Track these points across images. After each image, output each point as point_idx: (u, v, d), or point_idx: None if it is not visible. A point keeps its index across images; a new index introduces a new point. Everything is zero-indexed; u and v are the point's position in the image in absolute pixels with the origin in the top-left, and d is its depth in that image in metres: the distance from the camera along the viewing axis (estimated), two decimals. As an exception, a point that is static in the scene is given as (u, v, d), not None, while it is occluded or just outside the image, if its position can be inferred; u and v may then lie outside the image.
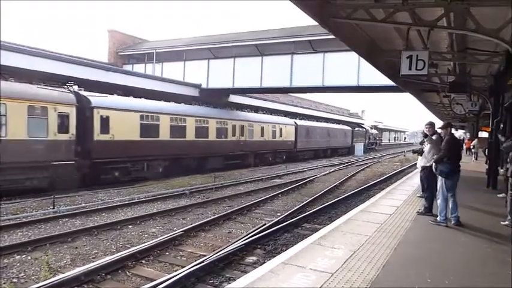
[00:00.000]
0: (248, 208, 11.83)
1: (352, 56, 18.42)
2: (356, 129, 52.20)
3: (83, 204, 11.94)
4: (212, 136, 22.99)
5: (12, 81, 13.88)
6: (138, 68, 28.43)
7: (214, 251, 7.37)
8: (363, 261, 4.90)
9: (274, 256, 5.90)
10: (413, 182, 13.57)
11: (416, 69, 8.08)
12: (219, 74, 24.73)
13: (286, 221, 9.90)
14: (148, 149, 18.29)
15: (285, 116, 34.74)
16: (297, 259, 4.91)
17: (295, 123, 33.64)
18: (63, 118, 14.64)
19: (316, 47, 21.88)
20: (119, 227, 9.36)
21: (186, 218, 10.65)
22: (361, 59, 15.23)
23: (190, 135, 21.02)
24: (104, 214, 10.86)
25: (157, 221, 10.17)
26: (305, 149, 35.41)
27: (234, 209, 11.43)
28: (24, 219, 9.87)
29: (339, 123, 48.67)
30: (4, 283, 5.94)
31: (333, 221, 8.07)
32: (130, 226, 9.52)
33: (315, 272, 4.47)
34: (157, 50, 27.63)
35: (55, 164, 14.10)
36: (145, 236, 8.75)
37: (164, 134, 19.33)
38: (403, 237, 6.11)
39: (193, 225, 9.28)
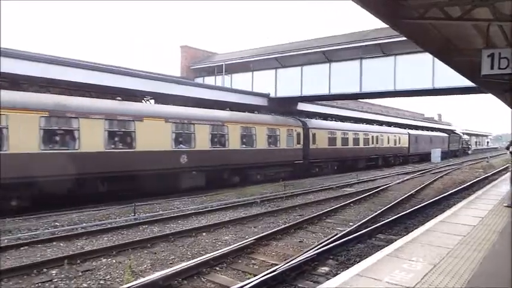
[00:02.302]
0: (319, 217, 11.68)
1: (426, 57, 17.57)
2: (451, 135, 57.81)
3: (161, 212, 12.58)
4: (359, 144, 31.83)
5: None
6: (209, 80, 29.50)
7: (285, 260, 7.35)
8: (444, 276, 4.60)
9: (348, 267, 5.75)
10: (499, 190, 12.52)
11: (499, 68, 7.50)
12: (287, 83, 24.85)
13: (359, 230, 9.61)
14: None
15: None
16: (372, 271, 4.75)
17: (408, 133, 42.05)
18: (298, 135, 24.26)
19: (386, 50, 21.18)
20: (193, 234, 9.72)
21: (258, 226, 10.77)
22: (436, 60, 14.46)
23: (351, 144, 30.55)
24: (179, 221, 11.35)
25: (229, 229, 10.40)
26: (415, 154, 43.18)
27: (305, 218, 11.34)
28: (109, 225, 10.65)
29: (437, 131, 55.69)
30: (93, 284, 6.43)
31: (409, 232, 7.69)
32: (204, 233, 9.85)
33: (391, 286, 4.28)
34: (226, 62, 28.48)
35: (296, 163, 23.92)
36: (219, 243, 8.99)
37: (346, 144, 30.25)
38: (489, 251, 5.65)
39: (264, 233, 9.35)
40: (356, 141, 31.24)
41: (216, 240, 9.21)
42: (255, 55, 27.34)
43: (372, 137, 33.73)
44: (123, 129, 14.94)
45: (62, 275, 6.79)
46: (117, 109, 14.99)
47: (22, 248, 8.51)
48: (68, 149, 13.40)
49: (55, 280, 6.57)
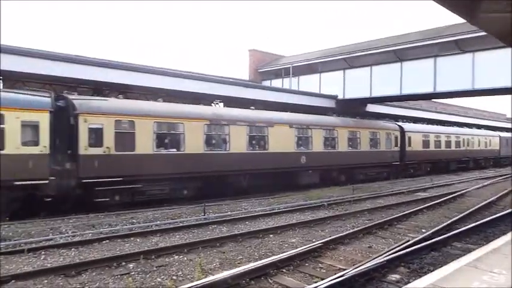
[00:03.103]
0: (389, 222, 11.25)
1: (508, 53, 16.19)
2: None
3: (229, 213, 12.91)
4: (451, 146, 32.83)
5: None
6: (276, 83, 29.68)
7: (354, 265, 7.19)
8: (531, 291, 4.23)
9: (420, 276, 5.50)
10: None
11: None
12: (355, 84, 24.28)
13: (433, 238, 9.12)
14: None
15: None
16: (447, 282, 4.49)
17: (499, 135, 42.40)
18: (396, 138, 25.93)
19: (464, 46, 19.85)
20: (260, 235, 9.84)
21: (325, 230, 10.65)
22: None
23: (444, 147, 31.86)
24: (247, 222, 11.56)
25: (296, 232, 10.39)
26: (505, 156, 42.49)
27: (374, 222, 11.00)
28: (180, 224, 11.14)
29: None
30: (166, 279, 6.76)
31: (490, 241, 7.15)
32: (271, 235, 9.93)
33: (470, 298, 4.03)
34: (293, 65, 28.47)
35: (392, 164, 25.48)
36: (286, 245, 9.02)
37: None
38: None
39: (332, 237, 9.22)
40: (448, 143, 32.41)
41: (283, 242, 9.25)
42: (322, 56, 27.01)
43: (463, 139, 34.70)
44: (259, 134, 17.97)
45: (139, 269, 7.23)
46: (255, 117, 18.21)
47: (104, 242, 9.19)
48: (221, 150, 16.55)
49: (132, 273, 7.00)
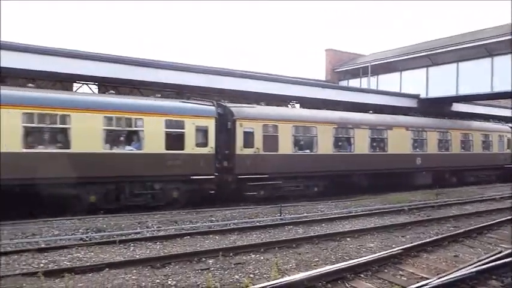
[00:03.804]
0: (479, 231, 10.42)
1: None
2: None
3: (305, 214, 12.88)
4: None
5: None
6: (353, 82, 28.99)
7: (438, 274, 6.79)
8: None
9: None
10: None
11: None
12: (440, 82, 22.93)
13: (531, 250, 8.28)
14: None
15: None
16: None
17: None
18: (509, 141, 25.55)
19: None
20: (337, 238, 9.68)
21: (406, 235, 10.17)
22: None
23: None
24: (323, 225, 11.45)
25: (374, 236, 10.06)
26: None
27: (461, 230, 10.24)
28: (257, 223, 11.36)
29: None
30: (243, 277, 6.93)
31: None
32: (348, 239, 9.72)
33: None
34: (372, 63, 27.60)
35: (504, 167, 24.61)
36: (363, 250, 8.78)
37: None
38: None
39: (413, 244, 8.77)
40: None
41: (360, 247, 9.02)
42: (402, 54, 25.85)
43: None
44: (379, 137, 19.19)
45: (217, 265, 7.50)
46: (376, 120, 19.59)
47: (185, 238, 9.68)
48: (346, 151, 18.18)
49: (212, 269, 7.29)
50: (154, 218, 11.93)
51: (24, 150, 11.74)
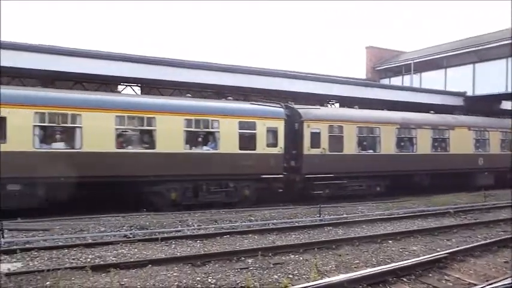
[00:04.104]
0: (532, 236, 9.85)
1: None
2: None
3: (345, 215, 12.70)
4: None
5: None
6: (395, 80, 28.24)
7: (487, 281, 6.48)
8: None
9: None
10: None
11: None
12: (488, 79, 21.84)
13: None
14: None
15: None
16: None
17: None
18: None
19: None
20: (379, 240, 9.46)
21: (451, 239, 9.78)
22: None
23: None
24: (364, 226, 11.23)
25: (418, 239, 9.75)
26: None
27: (512, 235, 9.74)
28: (296, 224, 11.31)
29: None
30: (282, 277, 6.92)
31: None
32: (390, 241, 9.48)
33: None
34: (414, 61, 26.76)
35: None
36: (406, 253, 8.53)
37: None
38: None
39: (460, 248, 8.43)
40: None
41: (403, 250, 8.76)
42: (448, 50, 24.89)
43: None
44: (441, 137, 19.18)
45: (256, 265, 7.53)
46: (438, 120, 19.59)
47: (225, 236, 9.78)
48: (408, 152, 18.36)
49: (251, 268, 7.32)
50: (195, 216, 12.15)
51: (117, 150, 12.80)
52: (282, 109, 15.64)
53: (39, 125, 11.96)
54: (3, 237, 9.04)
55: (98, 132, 12.44)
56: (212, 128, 14.12)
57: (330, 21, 77.73)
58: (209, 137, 14.25)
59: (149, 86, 17.17)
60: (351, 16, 79.40)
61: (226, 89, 17.33)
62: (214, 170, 13.99)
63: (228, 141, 14.23)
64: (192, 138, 13.93)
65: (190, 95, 15.87)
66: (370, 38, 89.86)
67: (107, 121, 12.54)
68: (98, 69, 14.98)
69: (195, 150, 13.94)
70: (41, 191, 11.80)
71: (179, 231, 10.37)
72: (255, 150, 14.60)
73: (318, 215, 12.36)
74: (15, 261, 7.55)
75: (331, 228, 10.92)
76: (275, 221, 11.76)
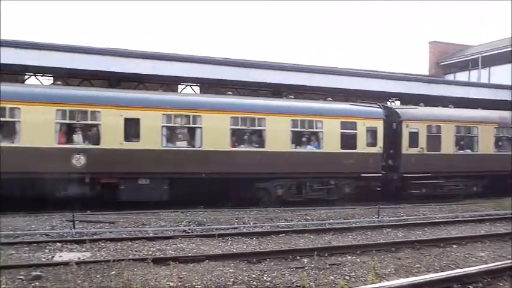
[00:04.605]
0: None
1: None
2: None
3: (405, 217, 12.26)
4: None
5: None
6: (460, 76, 26.72)
7: None
8: None
9: None
10: None
11: None
12: None
13: None
14: None
15: None
16: None
17: None
18: None
19: None
20: (442, 244, 8.99)
21: (524, 246, 9.08)
22: None
23: None
24: (425, 229, 10.78)
25: (486, 245, 9.14)
26: None
27: None
28: (353, 224, 11.10)
29: None
30: (338, 278, 6.80)
31: None
32: (454, 246, 8.98)
33: None
34: (482, 54, 25.13)
35: None
36: (472, 259, 8.03)
37: None
38: None
39: (534, 256, 7.81)
40: None
41: (469, 255, 8.26)
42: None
43: None
44: (506, 135, 18.30)
45: (312, 265, 7.45)
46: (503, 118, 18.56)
47: (280, 235, 9.78)
48: (507, 151, 17.66)
49: (306, 268, 7.25)
50: (251, 214, 12.29)
51: (231, 149, 13.89)
52: (380, 109, 16.06)
53: (166, 126, 13.21)
54: (74, 227, 9.72)
55: (215, 132, 13.52)
56: (316, 128, 14.81)
57: (391, 17, 74.96)
58: (312, 137, 14.91)
59: (206, 86, 17.65)
60: (412, 11, 76.08)
61: (283, 87, 17.36)
62: (317, 168, 14.65)
63: (330, 141, 14.84)
64: (297, 138, 14.69)
65: (292, 96, 16.40)
66: (432, 33, 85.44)
67: (223, 122, 13.61)
68: (160, 69, 15.63)
69: (299, 149, 14.70)
70: (166, 185, 13.06)
71: (235, 228, 10.55)
72: (355, 149, 15.11)
73: (377, 216, 12.02)
74: (84, 251, 8.09)
75: (390, 230, 10.58)
76: (331, 221, 11.61)
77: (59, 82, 14.45)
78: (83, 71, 14.68)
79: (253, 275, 6.77)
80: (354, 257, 8.00)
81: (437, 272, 6.84)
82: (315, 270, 7.17)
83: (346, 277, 6.84)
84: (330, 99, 16.88)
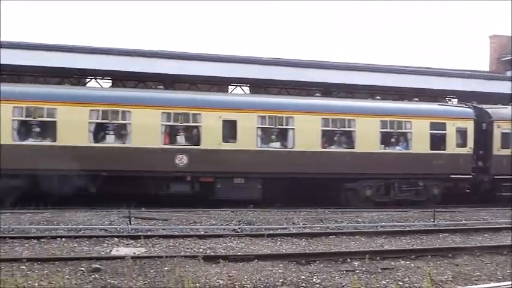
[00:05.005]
0: None
1: None
2: None
3: (463, 221, 11.68)
4: None
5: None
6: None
7: None
8: None
9: None
10: None
11: None
12: None
13: None
14: None
15: None
16: None
17: None
18: None
19: None
20: (505, 252, 8.43)
21: None
22: None
23: None
24: (486, 235, 10.19)
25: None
26: None
27: None
28: (407, 228, 10.72)
29: None
30: (391, 283, 6.57)
31: None
32: (519, 254, 8.41)
33: None
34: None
35: None
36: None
37: None
38: None
39: None
40: None
41: (536, 264, 7.69)
42: None
43: None
44: None
45: (363, 268, 7.26)
46: None
47: (330, 237, 9.63)
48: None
49: (357, 271, 7.09)
50: (301, 215, 12.22)
51: (322, 150, 14.12)
52: (471, 110, 15.72)
53: (260, 127, 13.75)
54: (130, 223, 10.16)
55: (307, 133, 13.84)
56: (405, 129, 14.77)
57: (447, 10, 71.34)
58: (401, 137, 14.88)
59: (256, 86, 17.76)
60: (470, 5, 71.83)
61: (332, 86, 17.13)
62: (406, 169, 14.58)
63: (419, 142, 14.76)
64: (386, 139, 14.73)
65: (379, 97, 16.42)
66: (494, 27, 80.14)
67: (314, 123, 13.92)
68: (211, 71, 15.99)
69: (388, 150, 14.73)
70: (259, 185, 13.61)
71: (285, 228, 10.54)
72: (445, 150, 14.91)
73: (432, 220, 11.51)
74: (139, 246, 8.43)
75: (447, 234, 10.13)
76: (384, 223, 11.29)
77: (161, 86, 15.38)
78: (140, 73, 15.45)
79: (302, 276, 6.72)
80: (407, 262, 7.72)
81: (500, 282, 6.44)
82: (366, 274, 7.00)
83: (400, 282, 6.61)
84: (417, 99, 16.71)
